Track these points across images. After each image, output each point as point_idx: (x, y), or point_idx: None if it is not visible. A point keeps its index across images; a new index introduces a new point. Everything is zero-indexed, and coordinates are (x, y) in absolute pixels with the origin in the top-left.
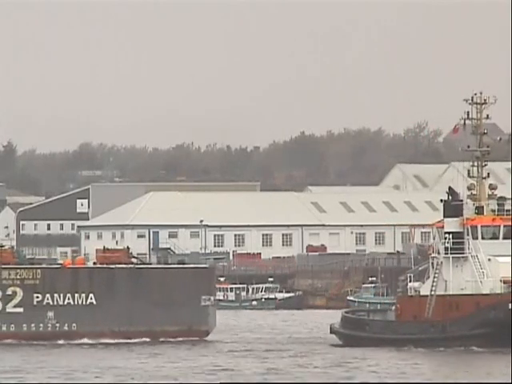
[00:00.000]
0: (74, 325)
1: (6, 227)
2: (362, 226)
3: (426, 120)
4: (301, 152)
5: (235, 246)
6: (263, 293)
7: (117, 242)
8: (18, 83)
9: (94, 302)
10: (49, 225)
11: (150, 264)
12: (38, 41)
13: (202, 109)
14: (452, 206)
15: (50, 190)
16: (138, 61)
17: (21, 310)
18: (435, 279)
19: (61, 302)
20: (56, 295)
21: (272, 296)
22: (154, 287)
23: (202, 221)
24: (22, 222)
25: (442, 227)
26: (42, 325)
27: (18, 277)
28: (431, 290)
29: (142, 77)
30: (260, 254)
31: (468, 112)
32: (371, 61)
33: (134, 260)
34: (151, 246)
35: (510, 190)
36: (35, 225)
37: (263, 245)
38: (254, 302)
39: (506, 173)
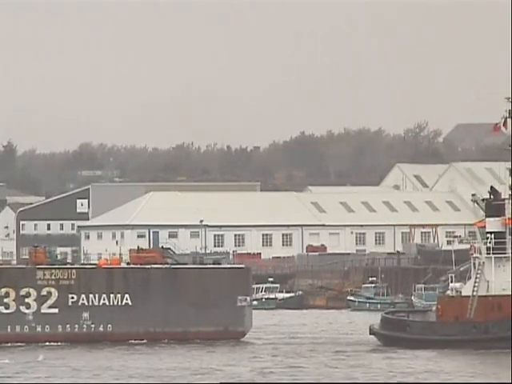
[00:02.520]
0: (109, 326)
1: (6, 227)
2: (362, 226)
3: (426, 120)
4: (301, 152)
5: (235, 246)
6: (263, 293)
7: (117, 242)
8: (17, 83)
9: (130, 303)
10: (49, 225)
11: (186, 264)
12: (37, 40)
13: (202, 109)
14: (494, 206)
15: (50, 190)
16: (137, 61)
17: (56, 310)
18: (477, 280)
19: (96, 303)
20: (91, 296)
21: (272, 296)
22: (189, 288)
23: (202, 221)
24: (22, 222)
25: (484, 227)
26: (77, 326)
27: (53, 277)
28: (473, 291)
29: (142, 77)
30: (260, 253)
31: (510, 110)
32: (371, 61)
33: (168, 260)
34: (151, 246)
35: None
36: (35, 225)
37: (263, 245)
38: (255, 302)
39: (506, 173)
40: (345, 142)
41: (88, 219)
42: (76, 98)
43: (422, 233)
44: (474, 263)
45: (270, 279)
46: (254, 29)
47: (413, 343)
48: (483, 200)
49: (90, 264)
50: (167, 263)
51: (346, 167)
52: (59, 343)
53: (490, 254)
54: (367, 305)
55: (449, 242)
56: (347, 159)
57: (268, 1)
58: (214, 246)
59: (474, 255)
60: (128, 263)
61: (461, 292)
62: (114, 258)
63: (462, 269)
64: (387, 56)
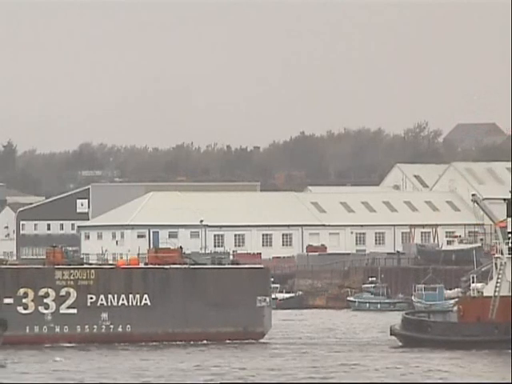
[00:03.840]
0: (128, 326)
1: (6, 227)
2: (362, 226)
3: (426, 120)
4: (301, 152)
5: (235, 246)
6: None
7: (117, 242)
8: (17, 83)
9: (149, 303)
10: (49, 225)
11: (205, 264)
12: (37, 40)
13: (202, 109)
14: None
15: (50, 190)
16: (137, 61)
17: (74, 311)
18: (499, 280)
19: (115, 303)
20: (110, 296)
21: (272, 296)
22: (208, 288)
23: (202, 221)
24: (22, 222)
25: (505, 227)
26: (95, 326)
27: (72, 277)
28: (495, 291)
29: (142, 76)
30: (260, 253)
31: None
32: (371, 61)
33: (187, 260)
34: (151, 246)
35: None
36: (35, 225)
37: (263, 245)
38: None
39: (506, 172)
40: (345, 142)
41: (88, 219)
42: (76, 97)
43: (421, 233)
44: (496, 263)
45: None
46: (254, 28)
47: (434, 344)
48: (504, 200)
49: (109, 264)
50: (186, 263)
51: (346, 167)
52: (78, 344)
53: (511, 254)
54: (367, 305)
55: (449, 242)
56: (347, 159)
57: (269, 1)
58: (214, 245)
59: (496, 255)
60: (146, 263)
61: (482, 292)
62: (133, 258)
63: (483, 269)
64: (387, 56)
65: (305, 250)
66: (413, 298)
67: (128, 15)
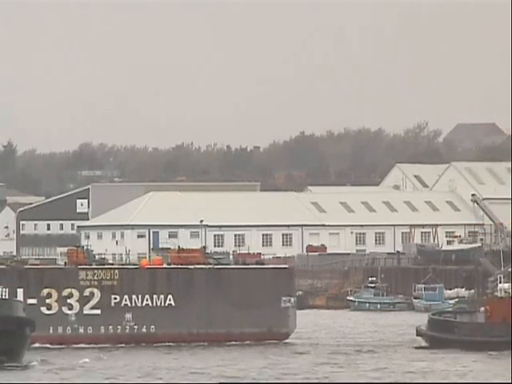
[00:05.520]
0: (152, 327)
1: (6, 227)
2: (362, 226)
3: (426, 120)
4: (301, 152)
5: (235, 246)
6: None
7: (117, 242)
8: (17, 83)
9: (173, 304)
10: (49, 225)
11: (228, 264)
12: (37, 40)
13: (202, 109)
14: None
15: (50, 190)
16: (137, 60)
17: (98, 311)
18: None
19: (139, 304)
20: (134, 296)
21: None
22: (233, 288)
23: (202, 221)
24: (22, 222)
25: None
26: (119, 327)
27: (96, 278)
28: None
29: (142, 76)
30: (260, 254)
31: None
32: (371, 61)
33: (210, 260)
34: (151, 246)
35: (510, 190)
36: (35, 225)
37: (263, 245)
38: None
39: (506, 172)
40: (345, 142)
41: (88, 219)
42: (76, 97)
43: (421, 233)
44: None
45: None
46: (254, 28)
47: (461, 344)
48: None
49: (133, 264)
50: (209, 263)
51: (346, 167)
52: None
53: None
54: (367, 305)
55: (449, 242)
56: (347, 159)
57: (269, 0)
58: (214, 245)
59: None
60: (169, 263)
61: (509, 293)
62: (157, 258)
63: (510, 269)
64: (387, 56)
65: (305, 250)
66: (413, 298)
67: (128, 15)
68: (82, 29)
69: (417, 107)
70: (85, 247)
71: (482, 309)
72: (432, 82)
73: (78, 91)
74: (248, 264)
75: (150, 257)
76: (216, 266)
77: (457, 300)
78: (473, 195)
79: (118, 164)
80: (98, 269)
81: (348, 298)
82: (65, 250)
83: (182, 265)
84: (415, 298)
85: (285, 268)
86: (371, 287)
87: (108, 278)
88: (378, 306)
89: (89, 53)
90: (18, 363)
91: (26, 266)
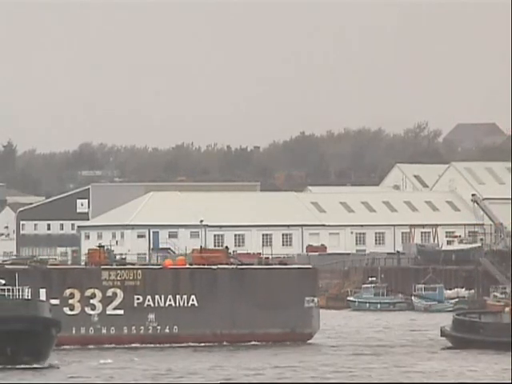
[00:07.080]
0: (175, 327)
1: (6, 227)
2: (362, 226)
3: (426, 120)
4: (301, 152)
5: (235, 245)
6: None
7: (117, 242)
8: (17, 83)
9: (196, 304)
10: (49, 225)
11: (252, 264)
12: (37, 40)
13: (202, 109)
14: None
15: (50, 190)
16: (137, 60)
17: (121, 312)
18: None
19: (162, 304)
20: (157, 297)
21: None
22: (256, 288)
23: (202, 221)
24: (22, 222)
25: None
26: (142, 327)
27: (119, 278)
28: None
29: (142, 76)
30: (260, 253)
31: None
32: (371, 61)
33: (233, 260)
34: (151, 246)
35: (510, 190)
36: (35, 225)
37: (263, 245)
38: None
39: (506, 172)
40: (345, 142)
41: (88, 219)
42: (76, 97)
43: (421, 233)
44: None
45: None
46: (254, 28)
47: (486, 345)
48: None
49: (155, 264)
50: (232, 263)
51: (346, 167)
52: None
53: None
54: (367, 305)
55: (449, 242)
56: (347, 159)
57: (269, 0)
58: (214, 245)
59: None
60: (191, 263)
61: None
62: (180, 258)
63: None
64: (387, 56)
65: (305, 250)
66: (413, 298)
67: (128, 15)
68: (82, 29)
69: (417, 107)
70: (105, 247)
71: (507, 309)
72: (432, 82)
73: (77, 91)
74: (271, 264)
75: (149, 256)
76: (239, 266)
77: (457, 300)
78: (473, 195)
79: (118, 164)
80: (120, 269)
81: (348, 298)
82: (65, 249)
83: (204, 265)
84: (415, 298)
85: (309, 268)
86: (371, 287)
87: (131, 278)
88: (378, 305)
89: (89, 53)
90: (43, 365)
91: (48, 266)
